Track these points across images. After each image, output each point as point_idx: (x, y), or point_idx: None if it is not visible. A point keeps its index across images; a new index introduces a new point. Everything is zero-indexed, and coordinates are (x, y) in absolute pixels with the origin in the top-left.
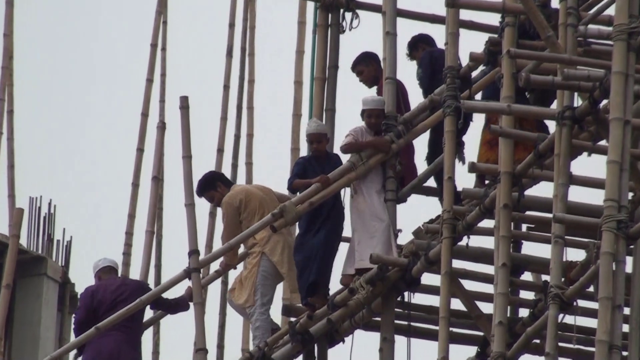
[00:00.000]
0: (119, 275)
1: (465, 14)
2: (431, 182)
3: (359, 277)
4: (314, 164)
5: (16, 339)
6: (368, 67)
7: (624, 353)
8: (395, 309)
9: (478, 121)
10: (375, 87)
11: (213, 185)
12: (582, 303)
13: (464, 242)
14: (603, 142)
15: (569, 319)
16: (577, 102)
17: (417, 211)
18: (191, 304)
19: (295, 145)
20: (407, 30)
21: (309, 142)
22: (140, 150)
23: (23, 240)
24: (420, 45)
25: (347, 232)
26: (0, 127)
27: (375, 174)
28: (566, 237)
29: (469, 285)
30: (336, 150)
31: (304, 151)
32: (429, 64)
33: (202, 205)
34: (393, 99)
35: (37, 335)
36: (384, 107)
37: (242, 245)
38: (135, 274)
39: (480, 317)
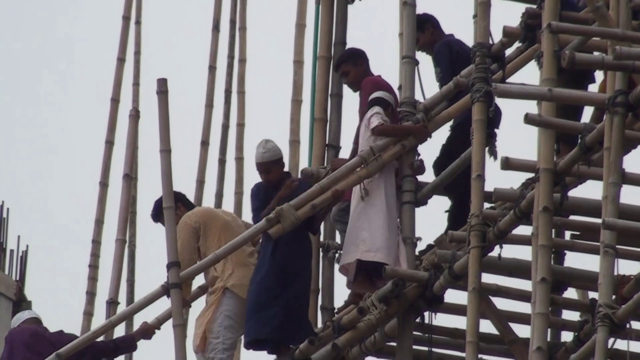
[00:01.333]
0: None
1: None
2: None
3: (369, 295)
4: (271, 192)
5: None
6: (356, 68)
7: None
8: (414, 332)
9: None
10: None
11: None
12: (636, 325)
13: (495, 252)
14: None
15: (620, 344)
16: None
17: (440, 216)
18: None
19: (294, 137)
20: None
21: (257, 170)
22: (109, 143)
23: None
24: (427, 27)
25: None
26: None
27: (389, 172)
28: (618, 246)
29: (501, 303)
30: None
31: (304, 143)
32: (448, 61)
33: None
34: (412, 82)
35: None
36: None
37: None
38: (103, 289)
39: (515, 342)
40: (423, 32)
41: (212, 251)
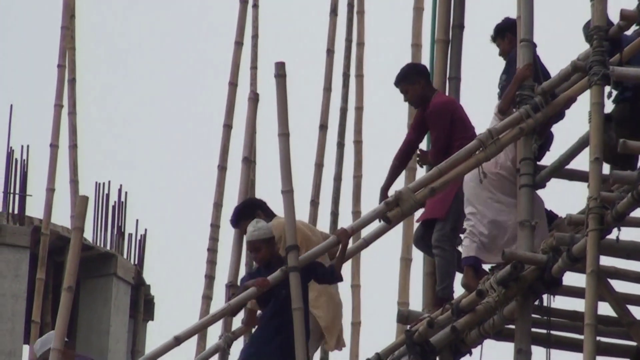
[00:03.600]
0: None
1: None
2: (574, 165)
3: (488, 277)
4: (264, 274)
5: (80, 351)
6: (413, 86)
7: None
8: (532, 315)
9: None
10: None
11: (252, 215)
12: None
13: (613, 235)
14: None
15: None
16: None
17: (559, 198)
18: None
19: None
20: None
21: (247, 249)
22: (227, 126)
23: (88, 234)
24: (507, 36)
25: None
26: (60, 99)
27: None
28: None
29: (619, 286)
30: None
31: None
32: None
33: (302, 191)
34: (529, 66)
35: (106, 347)
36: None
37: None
38: (223, 273)
39: (633, 324)
40: (503, 39)
41: None
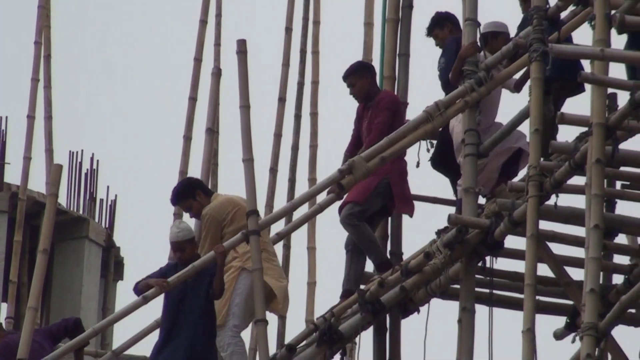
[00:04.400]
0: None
1: None
2: None
3: (435, 240)
4: (180, 270)
5: (54, 310)
6: (362, 80)
7: None
8: (476, 276)
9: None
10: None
11: (192, 194)
12: None
13: (551, 201)
14: None
15: None
16: None
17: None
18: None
19: None
20: None
21: (171, 249)
22: (192, 99)
23: (62, 200)
24: (447, 25)
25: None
26: (36, 74)
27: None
28: None
29: (557, 249)
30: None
31: None
32: (454, 53)
33: (262, 160)
34: (473, 44)
35: (78, 305)
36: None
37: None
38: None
39: (570, 284)
40: (442, 29)
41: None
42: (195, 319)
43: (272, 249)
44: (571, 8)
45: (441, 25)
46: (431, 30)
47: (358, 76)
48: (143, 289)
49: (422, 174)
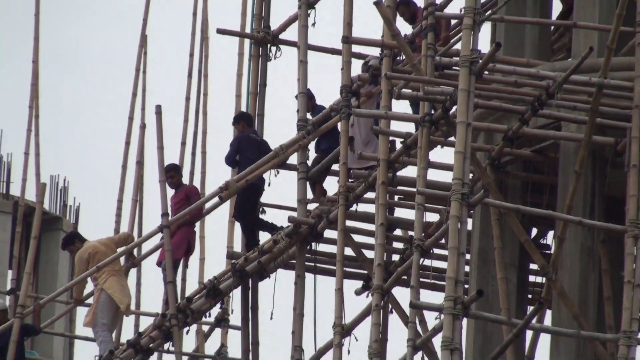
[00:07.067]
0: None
1: (356, 48)
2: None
3: (280, 232)
4: None
5: (41, 275)
6: (178, 174)
7: (466, 286)
8: (306, 255)
9: None
10: None
11: (72, 242)
12: (436, 251)
13: (354, 208)
14: (452, 138)
15: (427, 262)
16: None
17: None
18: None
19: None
20: (315, 60)
21: None
22: (127, 143)
23: (46, 205)
24: (241, 123)
25: None
26: (30, 125)
27: None
28: (426, 204)
29: (357, 238)
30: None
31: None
32: (235, 146)
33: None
34: (304, 108)
35: (56, 272)
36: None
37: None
38: (124, 227)
39: (365, 260)
40: (238, 124)
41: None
42: None
43: (121, 270)
44: (367, 86)
45: (237, 122)
46: (234, 124)
47: (175, 171)
48: None
49: (274, 190)
